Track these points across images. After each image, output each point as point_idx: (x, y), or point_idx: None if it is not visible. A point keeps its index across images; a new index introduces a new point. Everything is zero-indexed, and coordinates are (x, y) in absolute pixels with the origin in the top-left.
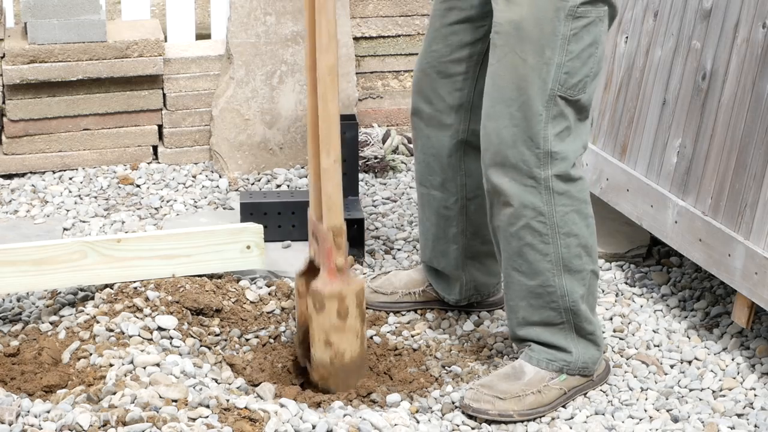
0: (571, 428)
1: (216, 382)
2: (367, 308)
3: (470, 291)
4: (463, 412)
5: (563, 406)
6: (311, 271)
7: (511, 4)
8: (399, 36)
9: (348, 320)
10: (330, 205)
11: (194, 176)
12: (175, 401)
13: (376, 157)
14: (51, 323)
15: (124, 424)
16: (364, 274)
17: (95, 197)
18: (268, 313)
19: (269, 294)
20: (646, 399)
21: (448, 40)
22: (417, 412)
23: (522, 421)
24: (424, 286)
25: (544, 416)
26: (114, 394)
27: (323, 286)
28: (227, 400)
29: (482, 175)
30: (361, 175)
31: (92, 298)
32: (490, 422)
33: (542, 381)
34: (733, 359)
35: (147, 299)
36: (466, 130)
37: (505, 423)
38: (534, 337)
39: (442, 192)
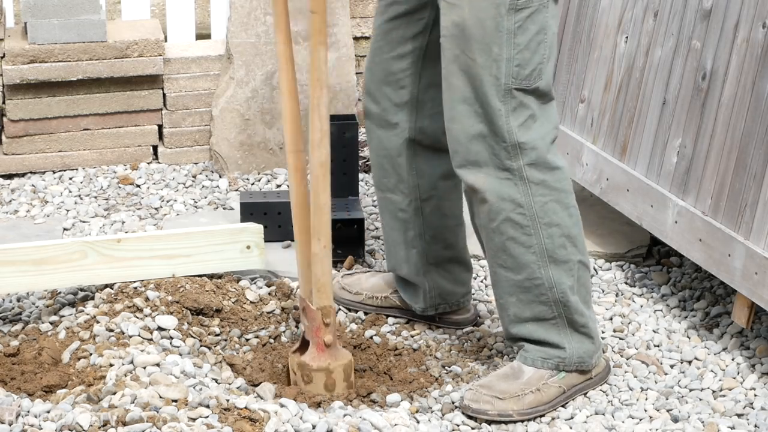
0: (571, 428)
1: (216, 382)
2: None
3: (436, 299)
4: (463, 413)
5: (563, 406)
6: (304, 346)
7: (453, 6)
8: None
9: (335, 392)
10: (319, 287)
11: (194, 176)
12: (175, 401)
13: None
14: (51, 323)
15: (124, 424)
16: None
17: (95, 197)
18: (268, 313)
19: (269, 294)
20: (646, 399)
21: (389, 36)
22: (417, 412)
23: (522, 421)
24: (387, 293)
25: (544, 415)
26: (114, 394)
27: (311, 360)
28: (227, 400)
29: (438, 176)
30: (361, 175)
31: (92, 298)
32: (489, 422)
33: (541, 379)
34: (733, 359)
35: (147, 299)
36: (413, 128)
37: (505, 423)
38: (527, 335)
39: (397, 194)
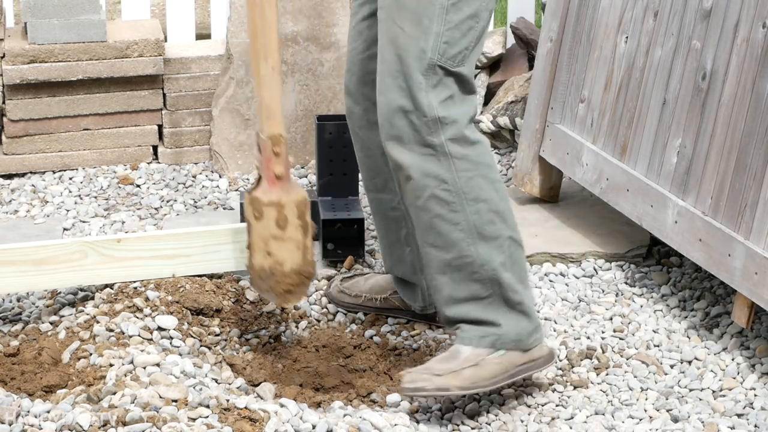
0: (571, 428)
1: (216, 382)
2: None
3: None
4: (405, 396)
5: (512, 387)
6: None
7: None
8: None
9: (287, 230)
10: (268, 114)
11: (194, 176)
12: (175, 401)
13: None
14: (51, 323)
15: (124, 424)
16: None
17: (95, 197)
18: (268, 313)
19: None
20: (646, 399)
21: (362, 36)
22: (417, 412)
23: (462, 396)
24: (387, 294)
25: (481, 399)
26: (114, 394)
27: (262, 194)
28: (227, 400)
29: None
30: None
31: (92, 298)
32: (428, 398)
33: (480, 356)
34: (733, 359)
35: (147, 299)
36: None
37: (444, 397)
38: (464, 316)
39: (387, 193)
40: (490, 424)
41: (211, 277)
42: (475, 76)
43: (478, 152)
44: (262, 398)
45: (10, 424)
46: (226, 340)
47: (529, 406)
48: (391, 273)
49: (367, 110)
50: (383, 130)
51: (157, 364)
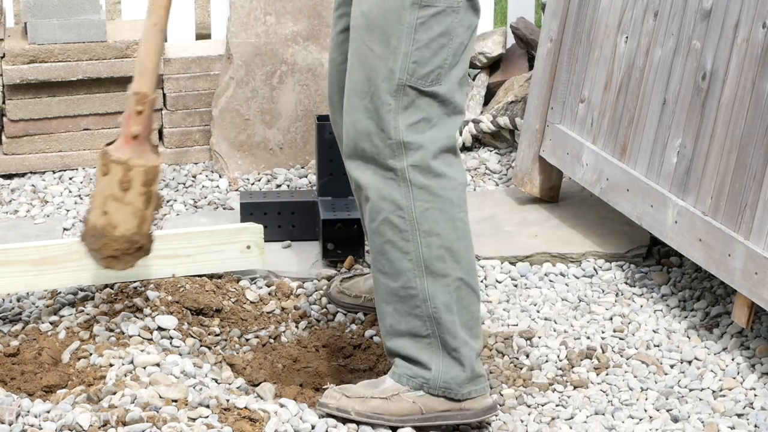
0: (571, 428)
1: (216, 382)
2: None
3: None
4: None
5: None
6: None
7: None
8: None
9: (129, 194)
10: (140, 70)
11: (194, 176)
12: (175, 401)
13: None
14: (51, 323)
15: (124, 424)
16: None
17: None
18: (268, 313)
19: (269, 294)
20: (646, 399)
21: (341, 48)
22: None
23: (360, 422)
24: None
25: (391, 426)
26: (114, 394)
27: (114, 150)
28: (227, 400)
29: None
30: None
31: (92, 298)
32: (329, 416)
33: (396, 390)
34: (733, 359)
35: (147, 299)
36: None
37: (343, 419)
38: (400, 350)
39: None
40: (490, 424)
41: (211, 277)
42: (475, 76)
43: (442, 185)
44: (262, 398)
45: (10, 424)
46: (226, 340)
47: (529, 406)
48: None
49: None
50: (347, 149)
51: (157, 364)
